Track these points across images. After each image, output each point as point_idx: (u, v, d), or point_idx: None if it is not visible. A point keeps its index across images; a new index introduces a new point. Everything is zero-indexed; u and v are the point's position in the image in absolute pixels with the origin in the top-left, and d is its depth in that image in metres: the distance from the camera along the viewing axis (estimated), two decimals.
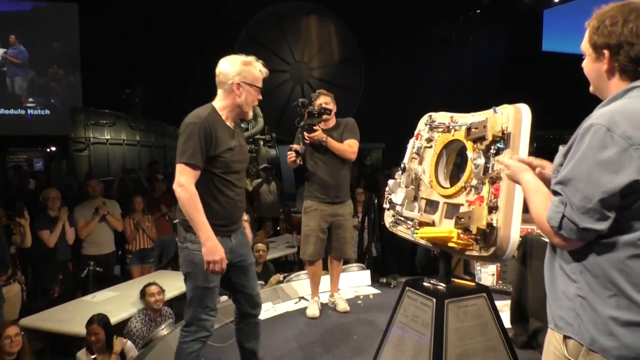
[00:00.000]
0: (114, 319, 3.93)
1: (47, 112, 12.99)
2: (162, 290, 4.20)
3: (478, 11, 13.00)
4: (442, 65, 13.25)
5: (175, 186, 2.40)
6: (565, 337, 1.41)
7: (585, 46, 1.45)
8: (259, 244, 5.23)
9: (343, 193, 3.90)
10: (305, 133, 3.69)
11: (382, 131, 11.71)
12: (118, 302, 4.40)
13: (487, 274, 4.60)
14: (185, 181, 2.38)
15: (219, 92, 2.56)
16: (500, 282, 4.54)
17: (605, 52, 1.38)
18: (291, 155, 3.69)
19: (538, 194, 1.47)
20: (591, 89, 1.49)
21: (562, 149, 1.39)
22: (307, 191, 3.92)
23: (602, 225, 1.29)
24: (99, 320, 3.54)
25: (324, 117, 3.77)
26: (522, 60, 13.37)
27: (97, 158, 10.90)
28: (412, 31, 13.06)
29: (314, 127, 3.68)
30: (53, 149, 12.57)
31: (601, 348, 1.33)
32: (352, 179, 8.43)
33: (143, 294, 4.15)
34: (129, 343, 3.66)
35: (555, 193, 1.37)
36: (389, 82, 13.04)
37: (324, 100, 3.85)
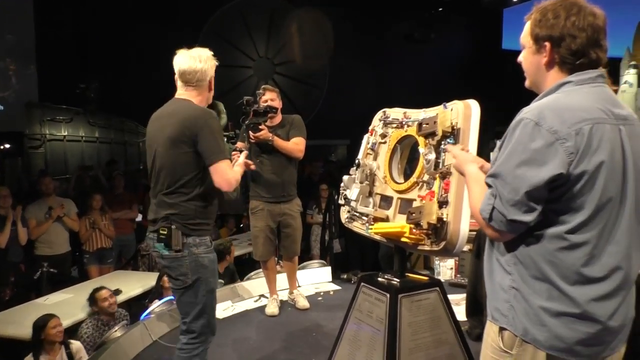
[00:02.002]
0: (67, 322, 3.82)
1: (0, 107, 12.49)
2: (113, 293, 4.09)
3: (440, 9, 13.17)
4: (405, 62, 13.37)
5: (227, 185, 2.34)
6: (501, 329, 1.43)
7: (525, 39, 1.47)
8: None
9: (289, 191, 3.85)
10: (250, 132, 3.59)
11: (347, 127, 11.71)
12: (72, 304, 4.28)
13: (445, 268, 4.68)
14: (233, 177, 2.36)
15: (193, 88, 2.45)
16: (458, 275, 4.62)
17: (547, 44, 1.39)
18: (235, 155, 3.57)
19: (477, 185, 1.49)
20: (527, 83, 1.51)
21: (498, 143, 1.41)
22: (252, 191, 3.86)
23: (529, 217, 1.31)
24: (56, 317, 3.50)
25: (270, 115, 3.71)
26: (483, 58, 13.62)
27: (54, 155, 10.54)
28: (376, 28, 13.14)
29: (260, 127, 3.60)
30: (7, 145, 12.10)
31: (533, 339, 1.36)
32: (316, 175, 8.50)
33: (93, 299, 4.03)
34: (78, 343, 3.56)
35: (488, 186, 1.39)
36: (354, 79, 13.08)
37: (270, 96, 3.78)
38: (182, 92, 2.47)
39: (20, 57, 12.32)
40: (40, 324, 3.49)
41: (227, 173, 2.33)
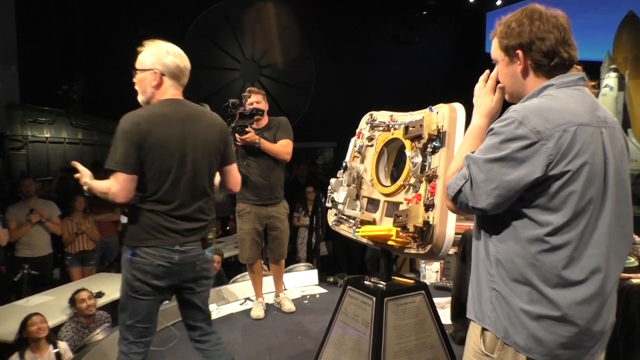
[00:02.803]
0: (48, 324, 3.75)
1: None
2: (94, 295, 4.03)
3: (425, 12, 13.29)
4: (392, 64, 13.45)
5: (237, 186, 2.52)
6: (483, 330, 1.44)
7: (495, 53, 1.49)
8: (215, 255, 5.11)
9: (276, 194, 3.84)
10: (237, 135, 3.57)
11: (334, 130, 11.76)
12: (52, 307, 4.21)
13: (431, 271, 4.69)
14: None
15: (181, 89, 2.35)
16: (444, 278, 4.64)
17: (519, 52, 1.42)
18: None
19: (466, 149, 1.48)
20: (507, 97, 1.53)
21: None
22: (239, 194, 3.81)
23: (489, 208, 1.34)
24: (40, 314, 3.49)
25: (256, 117, 3.69)
26: (466, 61, 13.76)
27: (36, 157, 10.40)
28: (361, 30, 13.19)
29: (246, 129, 3.58)
30: None
31: (514, 342, 1.36)
32: (303, 178, 8.49)
33: (73, 301, 3.97)
34: (65, 344, 3.52)
35: (465, 164, 1.40)
36: (340, 81, 13.12)
37: (255, 99, 3.76)
38: (176, 92, 2.30)
39: (1, 57, 12.13)
40: (23, 322, 3.47)
41: (237, 174, 2.48)
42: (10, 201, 5.73)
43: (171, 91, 2.29)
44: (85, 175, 2.24)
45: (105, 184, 2.15)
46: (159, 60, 2.26)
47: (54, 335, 3.62)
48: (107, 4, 11.02)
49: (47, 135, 10.60)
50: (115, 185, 2.11)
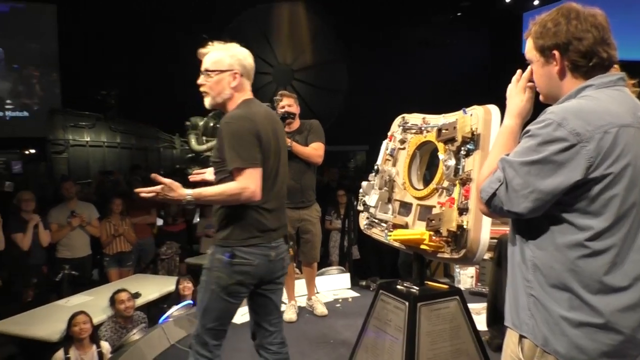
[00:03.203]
0: None
1: (25, 113, 12.79)
2: (133, 297, 4.12)
3: (459, 14, 13.13)
4: (424, 68, 13.34)
5: None
6: (521, 338, 1.40)
7: (530, 53, 1.45)
8: None
9: (308, 197, 3.84)
10: None
11: (366, 133, 11.74)
12: (92, 307, 4.31)
13: (466, 276, 4.61)
14: None
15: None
16: (479, 284, 4.55)
17: (555, 52, 1.38)
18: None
19: (498, 150, 1.45)
20: (541, 98, 1.49)
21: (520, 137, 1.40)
22: None
23: (525, 212, 1.30)
24: (85, 312, 3.60)
25: (288, 121, 3.70)
26: (502, 63, 13.51)
27: (77, 160, 10.75)
28: (393, 33, 13.13)
29: None
30: (32, 151, 12.37)
31: (554, 349, 1.32)
32: (335, 181, 8.49)
33: (113, 301, 4.08)
34: (107, 344, 3.63)
35: (500, 167, 1.36)
36: (373, 84, 13.08)
37: (287, 102, 3.77)
38: (250, 92, 2.30)
39: (44, 65, 12.66)
40: (69, 320, 3.57)
41: None
42: (53, 203, 5.93)
43: (249, 91, 2.28)
44: (175, 186, 2.02)
45: (232, 186, 2.04)
46: (238, 60, 2.22)
47: (97, 334, 3.72)
48: (142, 12, 11.32)
49: (87, 139, 10.95)
50: (252, 183, 2.04)
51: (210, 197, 2.07)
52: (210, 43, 2.25)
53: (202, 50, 2.25)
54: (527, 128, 1.35)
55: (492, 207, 1.37)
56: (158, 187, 2.01)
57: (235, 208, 2.12)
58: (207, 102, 2.25)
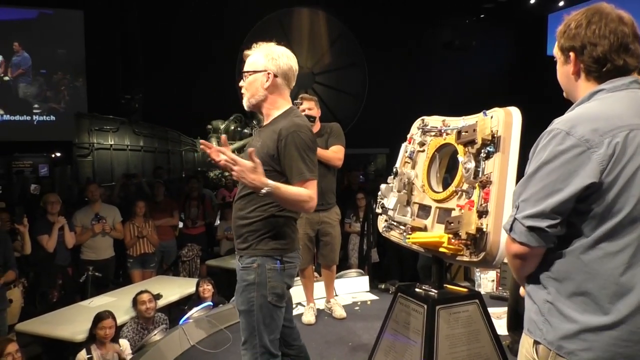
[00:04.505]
0: None
1: (52, 118, 13.10)
2: (154, 298, 4.18)
3: (482, 16, 13.01)
4: (446, 70, 13.26)
5: None
6: (536, 342, 1.38)
7: (555, 51, 1.47)
8: None
9: (328, 200, 3.84)
10: None
11: (386, 136, 11.69)
12: (115, 308, 4.38)
13: (487, 280, 4.55)
14: None
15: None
16: (500, 288, 4.49)
17: (571, 54, 1.39)
18: None
19: None
20: (565, 94, 1.50)
21: (531, 155, 1.39)
22: None
23: (549, 227, 1.28)
24: (112, 315, 3.68)
25: None
26: (527, 64, 13.33)
27: (101, 163, 10.95)
28: (415, 35, 13.07)
29: None
30: (58, 154, 12.66)
31: (568, 353, 1.30)
32: (355, 184, 8.48)
33: (135, 302, 4.14)
34: (126, 341, 3.69)
35: (513, 203, 1.38)
36: (393, 87, 13.04)
37: (308, 105, 3.78)
38: (288, 95, 2.26)
39: (71, 70, 12.96)
40: (96, 320, 3.64)
41: None
42: (78, 205, 6.05)
43: (286, 94, 2.23)
44: (260, 171, 1.91)
45: (305, 192, 2.04)
46: (273, 60, 2.17)
47: (118, 334, 3.79)
48: (165, 18, 11.51)
49: (111, 143, 11.14)
50: (315, 194, 2.08)
51: (286, 195, 2.01)
52: (255, 44, 2.24)
53: (246, 52, 2.25)
54: (536, 144, 1.35)
55: (516, 233, 1.32)
56: (246, 163, 1.90)
57: (278, 218, 2.13)
58: (244, 103, 2.25)
